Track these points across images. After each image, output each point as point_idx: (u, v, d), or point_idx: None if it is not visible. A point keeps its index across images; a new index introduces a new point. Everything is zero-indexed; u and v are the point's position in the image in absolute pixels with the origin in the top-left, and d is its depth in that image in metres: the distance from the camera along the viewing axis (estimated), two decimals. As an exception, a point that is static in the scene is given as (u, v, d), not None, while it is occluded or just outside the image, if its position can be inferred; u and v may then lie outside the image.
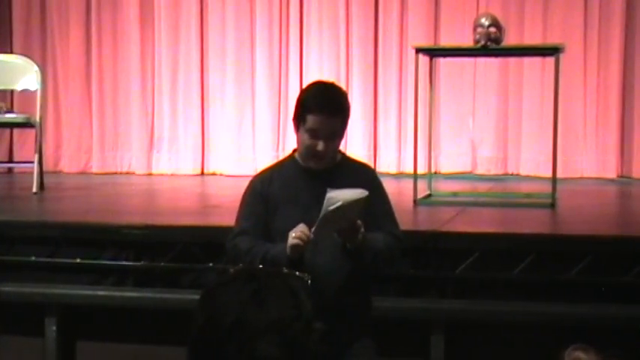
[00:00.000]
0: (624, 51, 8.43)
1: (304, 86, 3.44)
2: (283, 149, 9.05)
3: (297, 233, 2.88)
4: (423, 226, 5.82)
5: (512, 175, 8.68)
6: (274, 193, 3.10)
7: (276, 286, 1.55)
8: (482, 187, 7.86)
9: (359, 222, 2.92)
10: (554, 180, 6.19)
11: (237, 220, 3.16)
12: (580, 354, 1.69)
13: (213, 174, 9.14)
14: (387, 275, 4.74)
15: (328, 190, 2.84)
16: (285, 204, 3.04)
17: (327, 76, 8.95)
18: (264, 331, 1.47)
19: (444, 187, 7.41)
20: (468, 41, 6.52)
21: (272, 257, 2.95)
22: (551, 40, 8.19)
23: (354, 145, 8.90)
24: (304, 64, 9.06)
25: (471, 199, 6.83)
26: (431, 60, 6.97)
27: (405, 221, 5.84)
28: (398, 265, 3.29)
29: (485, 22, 6.25)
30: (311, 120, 3.06)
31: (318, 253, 3.02)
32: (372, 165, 3.40)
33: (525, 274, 4.63)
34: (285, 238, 2.93)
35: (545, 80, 8.16)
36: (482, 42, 6.20)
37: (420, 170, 6.98)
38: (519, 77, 8.66)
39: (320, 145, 3.05)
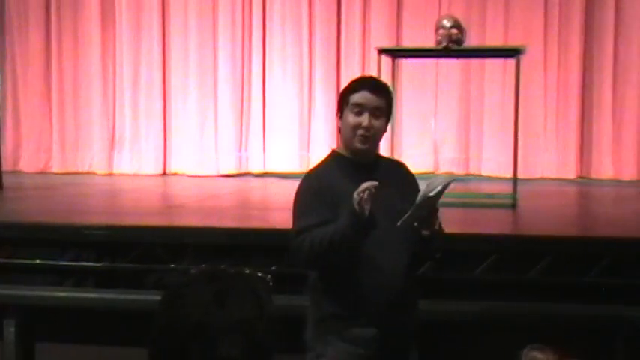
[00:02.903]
0: (584, 52, 8.53)
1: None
2: (246, 149, 9.04)
3: (362, 188, 2.86)
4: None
5: (474, 175, 8.75)
6: (334, 188, 3.08)
7: (239, 286, 1.55)
8: (450, 187, 7.87)
9: (437, 207, 3.01)
10: (514, 181, 6.24)
11: (297, 219, 3.10)
12: (537, 353, 1.71)
13: (176, 174, 9.10)
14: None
15: (424, 182, 2.95)
16: (351, 197, 2.94)
17: (290, 77, 8.98)
18: (226, 332, 1.47)
19: (407, 187, 7.41)
20: (430, 42, 6.56)
21: (340, 237, 2.92)
22: (513, 41, 8.27)
23: (318, 144, 8.92)
24: (267, 64, 9.04)
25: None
26: (393, 61, 7.00)
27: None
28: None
29: (447, 23, 6.29)
30: (355, 97, 3.11)
31: (385, 250, 3.03)
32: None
33: (487, 274, 4.67)
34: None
35: (507, 81, 8.23)
36: (444, 43, 6.24)
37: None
38: (481, 78, 8.73)
39: (365, 120, 3.08)
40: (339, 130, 3.21)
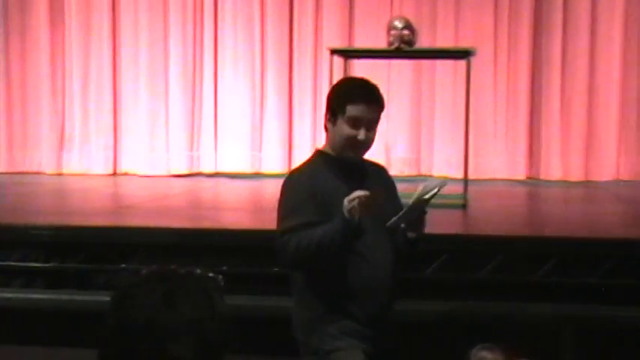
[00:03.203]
0: (533, 53, 8.63)
1: (335, 83, 3.49)
2: (198, 149, 8.99)
3: (353, 196, 2.87)
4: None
5: (425, 176, 8.79)
6: (325, 187, 3.07)
7: (190, 286, 1.54)
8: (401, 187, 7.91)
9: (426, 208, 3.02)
10: (465, 181, 6.30)
11: (285, 218, 3.03)
12: (486, 353, 1.72)
13: (126, 174, 9.01)
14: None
15: (420, 182, 3.02)
16: (338, 196, 2.97)
17: (242, 76, 8.95)
18: (177, 333, 1.46)
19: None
20: (382, 43, 6.58)
21: (329, 240, 2.91)
22: (463, 41, 8.33)
23: (270, 144, 8.91)
24: (219, 63, 9.00)
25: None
26: (345, 61, 7.02)
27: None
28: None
29: (398, 24, 6.32)
30: (352, 109, 3.07)
31: (375, 246, 3.04)
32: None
33: (438, 274, 4.70)
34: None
35: (457, 82, 8.29)
36: (396, 44, 6.27)
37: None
38: (432, 79, 8.78)
39: (361, 134, 3.07)
40: (326, 129, 3.19)
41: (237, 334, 1.56)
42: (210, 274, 1.62)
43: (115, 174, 9.04)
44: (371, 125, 3.10)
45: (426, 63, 8.63)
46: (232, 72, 8.97)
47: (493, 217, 6.08)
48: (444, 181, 3.07)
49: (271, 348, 4.70)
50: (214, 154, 8.99)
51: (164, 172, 8.91)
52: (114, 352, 1.50)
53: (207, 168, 8.98)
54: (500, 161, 8.70)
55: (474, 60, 6.44)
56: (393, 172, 8.59)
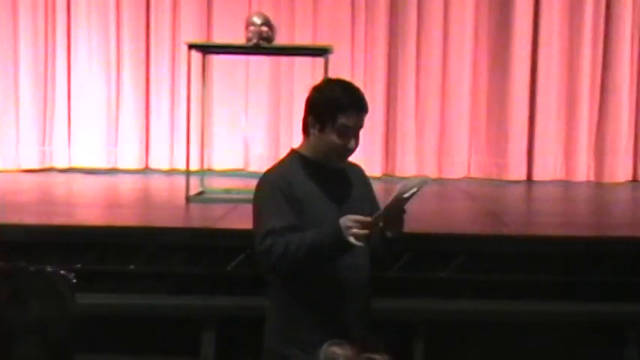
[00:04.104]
0: (389, 52, 8.81)
1: (316, 86, 3.26)
2: (50, 144, 8.71)
3: (355, 224, 2.79)
4: (196, 223, 5.81)
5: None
6: (299, 190, 2.99)
7: (39, 285, 1.49)
8: (255, 184, 7.91)
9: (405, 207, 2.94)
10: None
11: (265, 219, 2.96)
12: (336, 349, 1.74)
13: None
14: (161, 272, 4.71)
15: (400, 181, 2.91)
16: (315, 200, 2.94)
17: (96, 70, 8.74)
18: (24, 332, 1.41)
19: (217, 184, 7.41)
20: (241, 39, 6.56)
21: (317, 251, 2.85)
22: (321, 40, 8.42)
23: (126, 139, 8.74)
24: (72, 56, 8.74)
25: (244, 196, 6.83)
26: (203, 57, 6.96)
27: (177, 218, 5.82)
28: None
29: (257, 20, 6.32)
30: (344, 119, 2.99)
31: (353, 253, 2.93)
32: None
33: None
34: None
35: (316, 80, 8.33)
36: (255, 40, 6.27)
37: (193, 167, 6.96)
38: (291, 76, 8.82)
39: (352, 143, 3.02)
40: (306, 133, 3.12)
41: (89, 333, 1.51)
42: (62, 272, 1.57)
43: (-39, 169, 8.65)
44: (358, 132, 3.06)
45: (284, 60, 8.66)
46: (87, 66, 8.73)
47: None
48: (425, 180, 2.97)
49: (124, 346, 4.62)
50: (68, 150, 8.74)
51: (14, 167, 8.59)
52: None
53: (61, 163, 8.72)
54: (357, 158, 8.78)
55: (331, 58, 6.51)
56: (252, 168, 8.70)
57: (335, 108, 3.01)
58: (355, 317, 3.01)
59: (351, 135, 3.03)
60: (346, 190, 3.02)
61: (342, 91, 3.07)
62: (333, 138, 3.01)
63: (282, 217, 2.93)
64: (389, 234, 2.97)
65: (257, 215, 3.04)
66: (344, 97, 3.03)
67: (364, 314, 3.08)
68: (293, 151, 3.20)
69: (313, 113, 3.07)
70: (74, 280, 1.57)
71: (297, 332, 2.97)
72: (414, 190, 2.85)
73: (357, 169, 3.30)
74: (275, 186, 3.04)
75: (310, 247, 2.86)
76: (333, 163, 3.09)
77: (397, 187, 2.88)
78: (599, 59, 8.76)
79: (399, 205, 2.89)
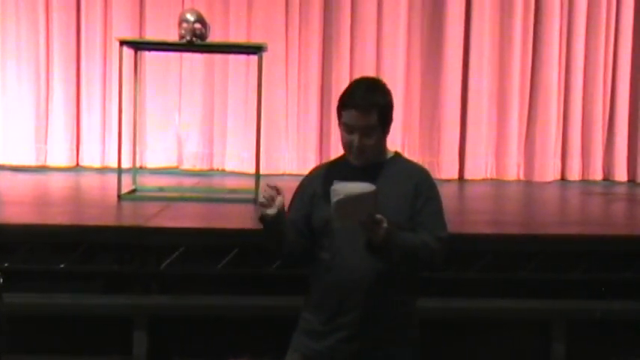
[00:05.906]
0: (323, 51, 8.84)
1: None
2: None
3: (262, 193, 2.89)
4: (128, 221, 5.74)
5: (217, 170, 8.80)
6: (316, 189, 3.02)
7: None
8: (188, 182, 7.89)
9: (378, 216, 2.77)
10: (257, 176, 6.35)
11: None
12: None
13: None
14: (92, 271, 4.65)
15: (335, 182, 2.76)
16: (322, 199, 2.91)
17: (26, 66, 8.59)
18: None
19: (150, 182, 7.34)
20: (174, 36, 6.50)
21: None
22: (256, 39, 8.40)
23: (56, 136, 8.62)
24: (0, 52, 8.58)
25: (177, 194, 6.83)
26: (136, 53, 6.88)
27: (108, 217, 5.75)
28: (437, 268, 3.08)
29: (190, 17, 6.27)
30: (344, 115, 3.01)
31: (346, 251, 2.93)
32: (425, 169, 3.19)
33: (229, 268, 4.72)
34: (318, 232, 2.99)
35: (250, 78, 8.36)
36: (188, 37, 6.22)
37: (125, 165, 6.89)
38: (225, 74, 8.79)
39: (355, 140, 2.97)
40: None
41: (18, 333, 1.49)
42: (-11, 271, 1.54)
43: None
44: (366, 131, 2.99)
45: (218, 58, 8.63)
46: (15, 62, 8.58)
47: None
48: (369, 187, 2.81)
49: (54, 346, 4.56)
50: (-5, 147, 8.58)
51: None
52: None
53: (-12, 161, 8.56)
54: (292, 157, 8.85)
55: (265, 56, 6.51)
56: (185, 166, 8.65)
57: (339, 106, 3.06)
58: (363, 316, 2.96)
59: (354, 132, 3.00)
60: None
61: (347, 89, 3.09)
62: (343, 134, 3.05)
63: (289, 211, 3.06)
64: (372, 240, 2.85)
65: None
66: (345, 95, 3.07)
67: (378, 314, 2.98)
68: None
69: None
70: (1, 280, 1.54)
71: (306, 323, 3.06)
72: (340, 197, 2.70)
73: (411, 173, 3.13)
74: (300, 182, 3.18)
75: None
76: (352, 160, 3.07)
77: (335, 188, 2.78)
78: (529, 62, 8.96)
79: (341, 209, 2.73)
